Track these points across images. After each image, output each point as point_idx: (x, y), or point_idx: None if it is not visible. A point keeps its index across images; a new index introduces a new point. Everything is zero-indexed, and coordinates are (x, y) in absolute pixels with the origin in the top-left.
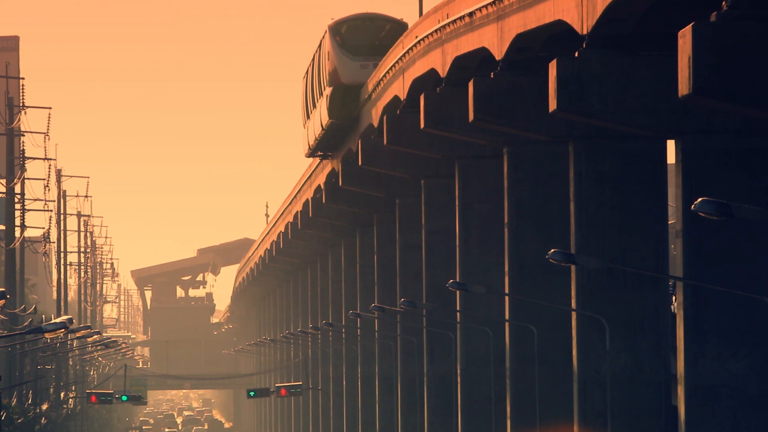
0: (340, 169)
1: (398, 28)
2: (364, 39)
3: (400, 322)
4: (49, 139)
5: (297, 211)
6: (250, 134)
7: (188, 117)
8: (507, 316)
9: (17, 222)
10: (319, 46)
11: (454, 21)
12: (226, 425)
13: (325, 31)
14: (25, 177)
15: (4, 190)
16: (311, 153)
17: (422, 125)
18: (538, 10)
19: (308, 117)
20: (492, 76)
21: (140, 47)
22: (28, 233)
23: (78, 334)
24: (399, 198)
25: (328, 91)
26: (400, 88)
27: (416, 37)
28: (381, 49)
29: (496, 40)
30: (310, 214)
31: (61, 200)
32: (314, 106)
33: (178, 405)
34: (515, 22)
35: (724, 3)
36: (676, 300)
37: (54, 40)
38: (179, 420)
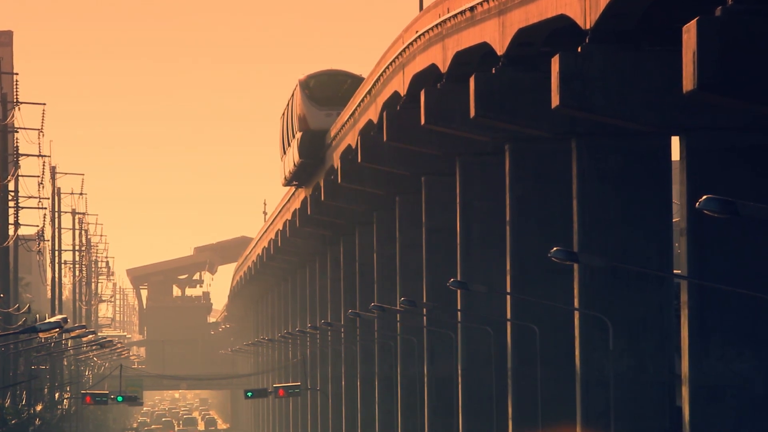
0: (339, 166)
1: (357, 82)
2: (329, 92)
3: (400, 321)
4: (43, 135)
5: (295, 209)
6: (248, 131)
7: (185, 114)
8: (509, 316)
9: (11, 220)
10: (292, 95)
11: (455, 15)
12: (221, 426)
13: (296, 85)
14: (19, 174)
15: None
16: (287, 183)
17: (422, 121)
18: (540, 4)
19: (284, 152)
20: (493, 71)
21: (137, 45)
22: (22, 231)
23: (73, 334)
24: (399, 195)
25: (298, 135)
26: (400, 84)
27: (416, 32)
28: (343, 100)
29: (497, 35)
30: (309, 212)
31: (56, 198)
32: (288, 144)
33: (173, 406)
34: (517, 16)
35: None
36: (680, 299)
37: (49, 36)
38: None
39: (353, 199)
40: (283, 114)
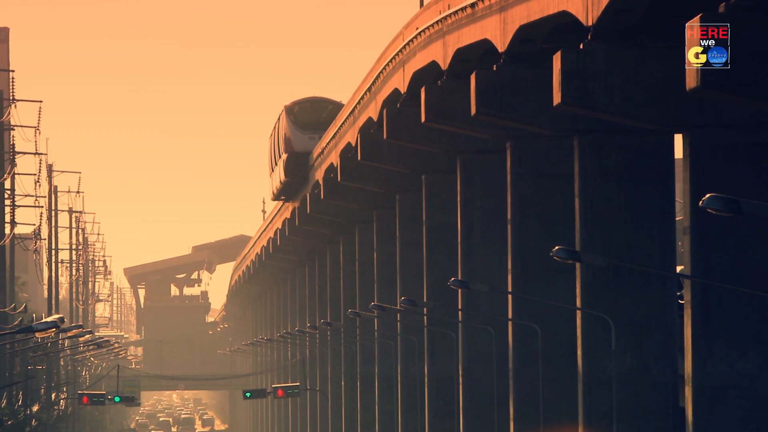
0: (338, 164)
1: (338, 108)
2: (311, 117)
3: (400, 321)
4: (39, 133)
5: (294, 207)
6: (246, 129)
7: (183, 111)
8: (510, 315)
9: (7, 218)
10: (278, 119)
11: (456, 12)
12: (219, 426)
13: (282, 110)
14: (15, 172)
15: None
16: (275, 197)
17: (423, 119)
18: (542, 1)
19: (272, 170)
20: (494, 68)
21: (134, 40)
22: (19, 230)
23: (69, 334)
24: (399, 194)
25: (284, 156)
26: (400, 81)
27: (417, 28)
28: (324, 125)
29: (498, 32)
30: (308, 210)
31: (52, 196)
32: (276, 163)
33: (167, 406)
34: (518, 13)
35: None
36: (683, 298)
37: (45, 32)
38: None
39: (353, 197)
40: (271, 135)
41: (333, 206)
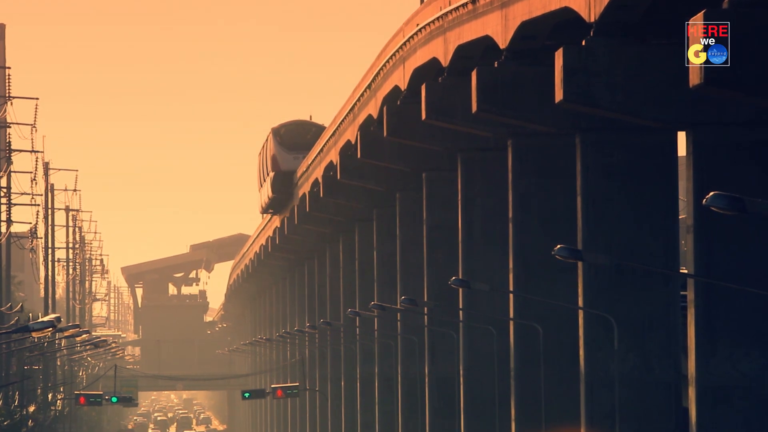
0: (338, 162)
1: (320, 131)
2: (296, 139)
3: (400, 320)
4: (36, 130)
5: (293, 206)
6: (245, 126)
7: (181, 109)
8: (511, 315)
9: (3, 217)
10: (266, 140)
11: (457, 8)
12: (218, 427)
13: (269, 132)
14: (11, 170)
15: None
16: (264, 211)
17: (423, 116)
18: None
19: (261, 185)
20: (496, 65)
21: (132, 37)
22: (15, 228)
23: (66, 333)
24: (399, 192)
25: (271, 174)
26: (400, 78)
27: (417, 25)
28: (308, 145)
29: (500, 28)
30: (308, 209)
31: (49, 194)
32: (264, 180)
33: (163, 406)
34: (520, 9)
35: None
36: (687, 298)
37: (42, 29)
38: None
39: (353, 195)
40: (260, 153)
41: (332, 205)
